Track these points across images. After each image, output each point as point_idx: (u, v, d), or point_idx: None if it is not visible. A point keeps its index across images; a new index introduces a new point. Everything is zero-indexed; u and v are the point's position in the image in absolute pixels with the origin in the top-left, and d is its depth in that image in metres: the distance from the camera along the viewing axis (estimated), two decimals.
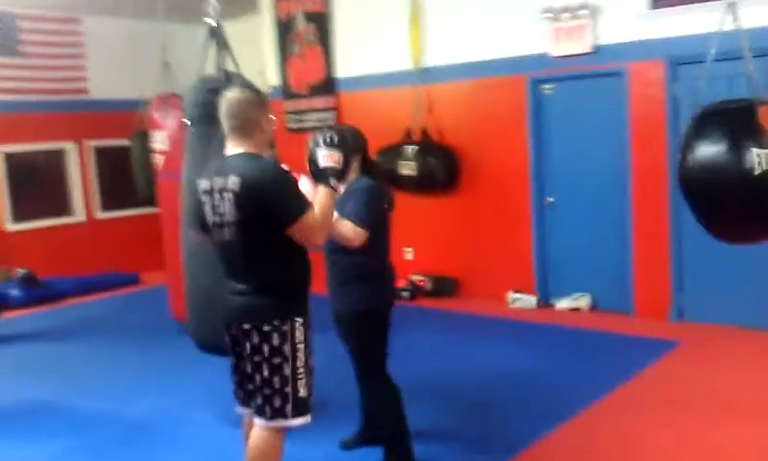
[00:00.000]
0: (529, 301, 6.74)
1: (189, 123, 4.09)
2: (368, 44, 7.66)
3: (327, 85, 8.12)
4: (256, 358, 2.75)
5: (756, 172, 3.34)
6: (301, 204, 2.70)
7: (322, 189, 2.83)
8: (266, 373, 2.74)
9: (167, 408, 4.68)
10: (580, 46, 6.18)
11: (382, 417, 3.56)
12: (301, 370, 2.78)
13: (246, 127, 2.78)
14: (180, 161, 4.25)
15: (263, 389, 2.76)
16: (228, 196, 2.68)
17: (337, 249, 3.29)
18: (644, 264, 6.13)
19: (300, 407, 2.80)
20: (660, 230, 5.99)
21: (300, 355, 2.78)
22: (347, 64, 7.96)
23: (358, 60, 7.79)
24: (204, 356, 4.04)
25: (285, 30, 8.45)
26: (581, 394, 4.47)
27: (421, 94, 7.17)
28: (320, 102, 8.22)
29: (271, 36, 8.61)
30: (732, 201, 3.48)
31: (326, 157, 2.87)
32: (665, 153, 5.86)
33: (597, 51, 6.12)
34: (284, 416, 2.78)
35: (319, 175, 2.87)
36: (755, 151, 3.36)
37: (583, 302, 6.51)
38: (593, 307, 6.47)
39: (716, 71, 5.28)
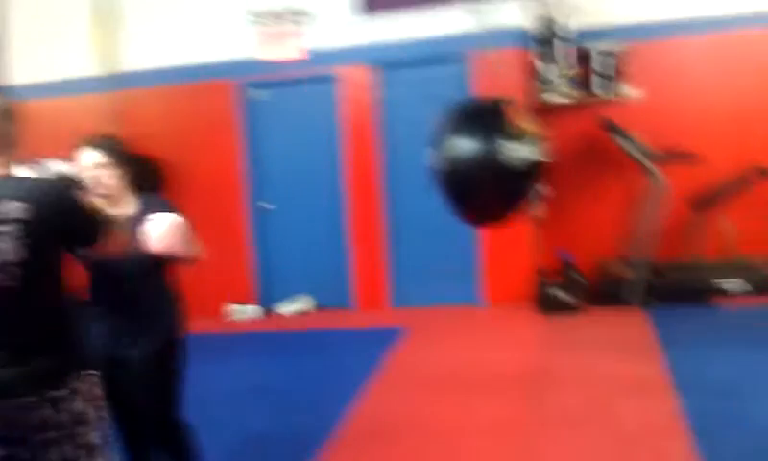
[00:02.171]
0: (252, 311, 6.55)
1: None
2: (51, 47, 6.57)
3: None
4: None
5: (509, 163, 3.67)
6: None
7: None
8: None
9: None
10: (291, 51, 6.20)
11: None
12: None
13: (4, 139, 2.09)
14: None
15: None
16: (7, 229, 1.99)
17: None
18: (361, 259, 6.38)
19: None
20: (374, 225, 6.30)
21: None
22: (23, 70, 6.76)
23: (38, 66, 6.60)
24: None
25: None
26: (340, 392, 4.50)
27: (116, 101, 6.48)
28: None
29: None
30: (487, 190, 3.77)
31: None
32: (376, 153, 6.18)
33: (309, 56, 6.20)
34: None
35: None
36: (505, 144, 3.69)
37: (305, 303, 6.53)
38: (317, 308, 6.52)
39: (420, 75, 5.80)
